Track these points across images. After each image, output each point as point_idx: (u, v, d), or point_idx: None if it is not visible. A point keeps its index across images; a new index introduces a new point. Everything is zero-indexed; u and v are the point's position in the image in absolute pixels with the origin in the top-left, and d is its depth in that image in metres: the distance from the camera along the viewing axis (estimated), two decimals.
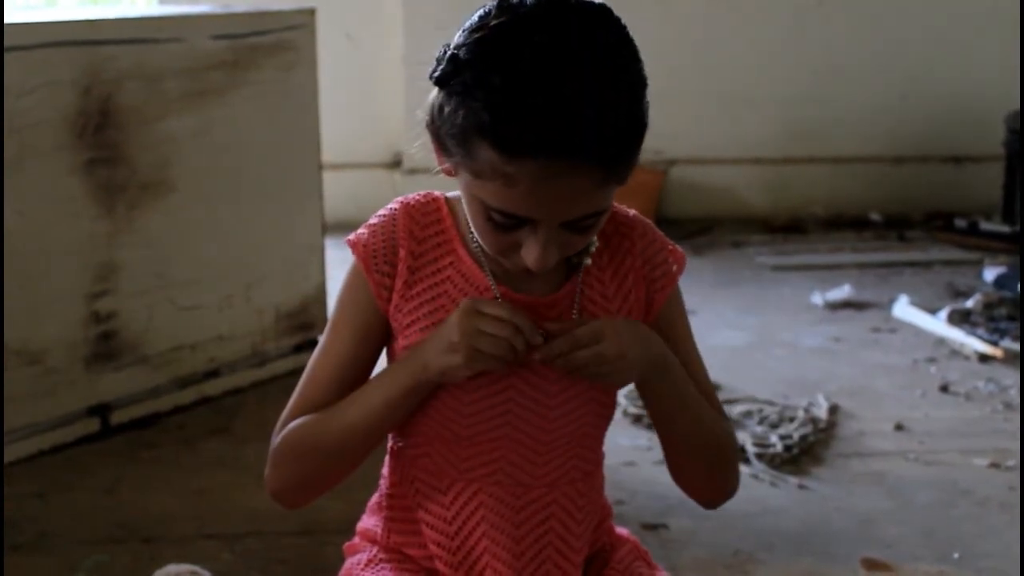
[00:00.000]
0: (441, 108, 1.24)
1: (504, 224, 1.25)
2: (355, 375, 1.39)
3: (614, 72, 1.20)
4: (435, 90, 1.26)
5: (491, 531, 1.38)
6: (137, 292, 2.91)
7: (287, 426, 1.40)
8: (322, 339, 1.42)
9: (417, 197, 1.39)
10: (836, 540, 2.41)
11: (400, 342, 1.37)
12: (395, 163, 5.00)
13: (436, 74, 1.24)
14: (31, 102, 2.64)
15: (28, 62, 2.63)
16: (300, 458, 1.39)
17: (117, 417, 2.89)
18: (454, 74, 1.22)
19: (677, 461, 1.44)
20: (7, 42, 2.58)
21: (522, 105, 1.17)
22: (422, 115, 1.28)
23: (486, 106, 1.18)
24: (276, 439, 1.41)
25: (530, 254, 1.25)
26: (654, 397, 1.39)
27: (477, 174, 1.23)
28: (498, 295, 1.35)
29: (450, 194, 1.39)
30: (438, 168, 1.30)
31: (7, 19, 2.66)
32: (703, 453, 1.42)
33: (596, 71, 1.18)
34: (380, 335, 1.39)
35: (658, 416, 1.41)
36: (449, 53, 1.23)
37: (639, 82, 1.23)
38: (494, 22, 1.20)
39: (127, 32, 2.84)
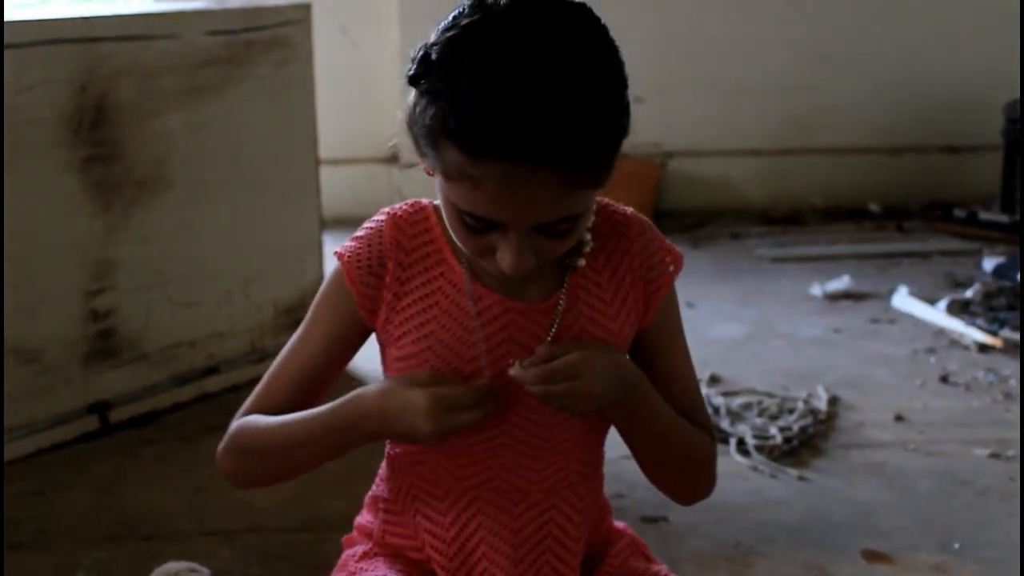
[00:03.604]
0: (415, 107, 1.23)
1: (475, 227, 1.24)
2: (321, 378, 1.39)
3: (585, 74, 1.18)
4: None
5: (489, 537, 1.38)
6: (135, 289, 2.90)
7: (246, 416, 1.40)
8: (295, 335, 1.40)
9: (404, 207, 1.38)
10: (837, 531, 2.41)
11: (392, 352, 1.36)
12: (392, 158, 5.00)
13: (409, 73, 1.23)
14: (27, 100, 2.64)
15: (23, 60, 2.63)
16: (249, 457, 1.40)
17: (116, 415, 2.89)
18: (424, 74, 1.21)
19: (645, 469, 1.43)
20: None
21: (487, 106, 1.16)
22: (401, 115, 1.27)
23: (452, 106, 1.17)
24: (233, 424, 1.41)
25: (504, 258, 1.24)
26: (620, 421, 1.38)
27: (446, 175, 1.22)
28: (476, 308, 1.33)
29: (438, 202, 1.37)
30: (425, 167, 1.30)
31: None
32: (671, 468, 1.42)
33: (565, 73, 1.16)
34: (354, 344, 1.39)
35: (624, 435, 1.40)
36: (421, 53, 1.22)
37: (613, 84, 1.21)
38: (465, 21, 1.19)
39: (122, 29, 2.83)
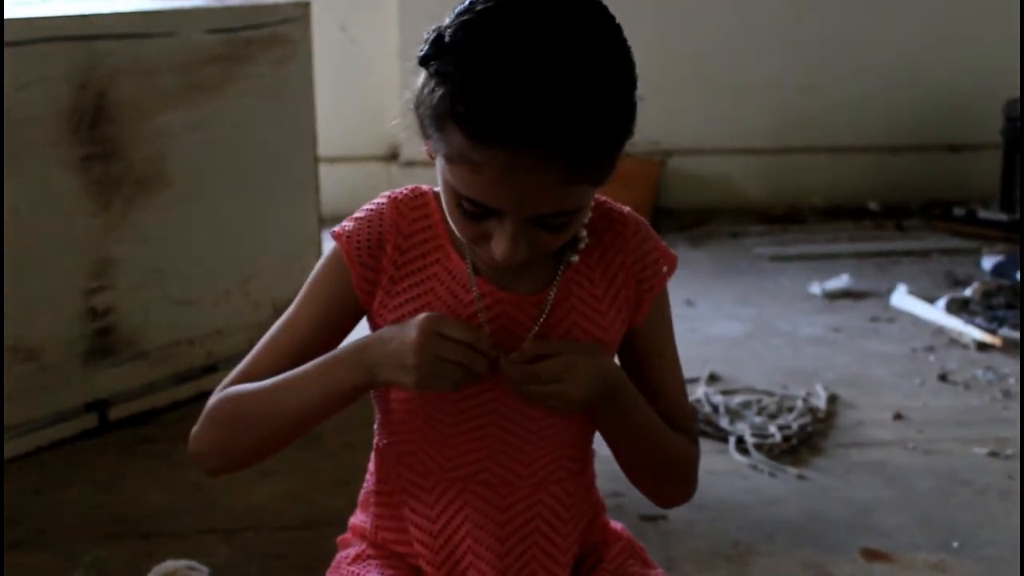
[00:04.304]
0: (423, 88, 1.23)
1: (472, 212, 1.24)
2: (311, 355, 1.36)
3: (596, 69, 1.18)
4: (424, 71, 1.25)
5: (475, 530, 1.37)
6: (134, 287, 2.90)
7: (228, 388, 1.37)
8: (287, 311, 1.39)
9: (405, 192, 1.38)
10: (836, 530, 2.41)
11: None
12: (391, 156, 5.00)
13: (420, 53, 1.23)
14: (25, 98, 2.64)
15: (22, 58, 2.63)
16: (230, 427, 1.36)
17: (115, 413, 2.89)
18: (435, 56, 1.21)
19: (625, 470, 1.43)
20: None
21: (493, 93, 1.16)
22: (409, 95, 1.27)
23: (461, 90, 1.18)
24: (214, 398, 1.38)
25: (498, 246, 1.24)
26: (601, 423, 1.38)
27: (448, 158, 1.22)
28: (478, 295, 1.33)
29: (438, 189, 1.36)
30: (431, 154, 1.30)
31: None
32: (651, 470, 1.41)
33: (576, 67, 1.16)
34: (345, 326, 1.38)
35: (605, 435, 1.39)
36: (435, 35, 1.22)
37: (623, 82, 1.21)
38: (480, 6, 1.20)
39: (121, 27, 2.83)
